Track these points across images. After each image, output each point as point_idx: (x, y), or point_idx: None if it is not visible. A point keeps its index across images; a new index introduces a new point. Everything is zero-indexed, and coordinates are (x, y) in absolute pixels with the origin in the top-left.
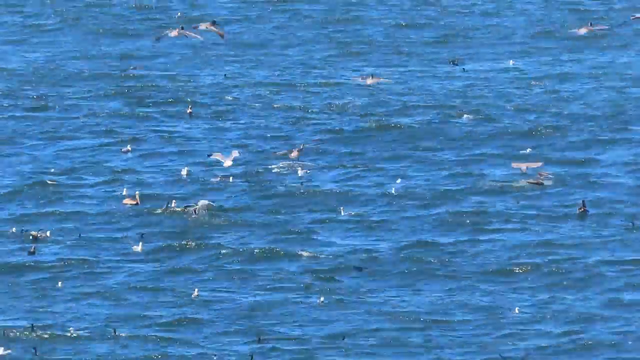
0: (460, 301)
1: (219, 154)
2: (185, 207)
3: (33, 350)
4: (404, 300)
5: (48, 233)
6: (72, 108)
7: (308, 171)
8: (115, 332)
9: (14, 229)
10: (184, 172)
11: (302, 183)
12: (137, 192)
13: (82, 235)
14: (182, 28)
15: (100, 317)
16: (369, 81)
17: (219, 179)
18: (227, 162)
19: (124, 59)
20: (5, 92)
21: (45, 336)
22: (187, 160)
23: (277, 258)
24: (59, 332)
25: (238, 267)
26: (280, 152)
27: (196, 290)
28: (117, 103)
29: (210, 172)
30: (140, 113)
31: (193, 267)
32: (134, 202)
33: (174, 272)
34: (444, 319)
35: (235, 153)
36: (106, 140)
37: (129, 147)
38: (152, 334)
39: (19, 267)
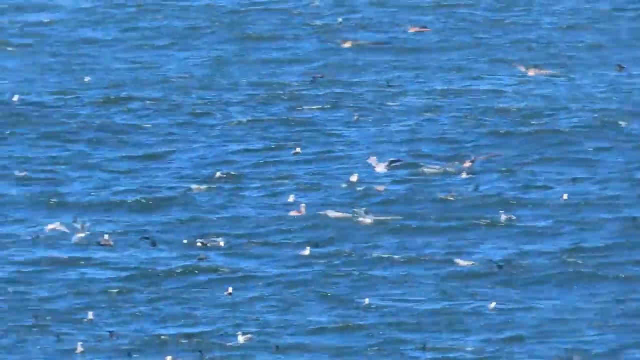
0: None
1: (375, 158)
2: (355, 209)
3: (199, 354)
4: (576, 307)
5: (222, 243)
6: (234, 113)
7: (471, 176)
8: (277, 347)
9: (185, 241)
10: (353, 178)
11: (477, 186)
12: (302, 205)
13: (251, 240)
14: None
15: (266, 323)
16: (531, 72)
17: (382, 188)
18: (380, 168)
19: (282, 64)
20: (165, 97)
21: (212, 343)
22: (351, 166)
23: (441, 263)
24: (226, 340)
25: (402, 273)
26: (452, 163)
27: (367, 299)
28: (278, 108)
29: (375, 177)
30: (301, 119)
31: (358, 273)
32: (300, 213)
33: (338, 278)
34: (620, 323)
35: (391, 161)
36: (270, 145)
37: (298, 149)
38: (318, 341)
39: (189, 273)
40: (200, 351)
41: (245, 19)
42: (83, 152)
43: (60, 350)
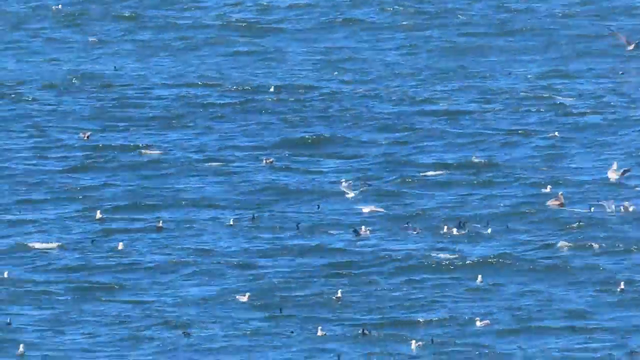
0: None
1: (615, 164)
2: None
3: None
4: None
5: (475, 230)
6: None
7: None
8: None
9: (444, 229)
10: (612, 174)
11: None
12: (560, 193)
13: (506, 227)
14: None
15: (516, 309)
16: None
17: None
18: (614, 176)
19: (519, 53)
20: (398, 87)
21: (454, 329)
22: (607, 158)
23: None
24: (467, 326)
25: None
26: None
27: (622, 283)
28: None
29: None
30: (549, 106)
31: (605, 262)
32: (558, 203)
33: (590, 265)
34: None
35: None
36: (522, 130)
37: (556, 133)
38: (567, 325)
39: (438, 259)
40: (432, 339)
41: (473, 10)
42: (331, 138)
43: (307, 338)
